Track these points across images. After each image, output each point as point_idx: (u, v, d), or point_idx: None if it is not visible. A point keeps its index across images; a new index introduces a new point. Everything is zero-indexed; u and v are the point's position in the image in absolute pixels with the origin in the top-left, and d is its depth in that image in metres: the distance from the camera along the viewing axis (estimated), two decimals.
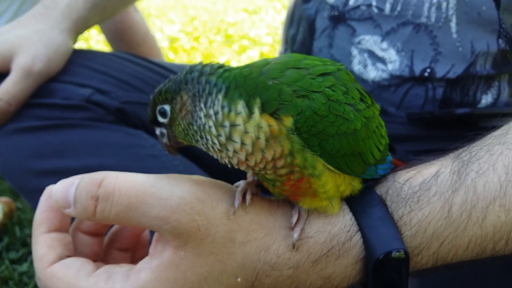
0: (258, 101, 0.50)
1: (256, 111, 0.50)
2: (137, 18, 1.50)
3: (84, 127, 0.90)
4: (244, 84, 0.51)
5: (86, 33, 3.46)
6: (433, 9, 0.90)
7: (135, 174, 0.52)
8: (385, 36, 0.94)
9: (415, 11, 0.91)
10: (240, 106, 0.50)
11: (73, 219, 0.57)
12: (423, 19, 0.91)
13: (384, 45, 0.94)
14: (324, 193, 0.54)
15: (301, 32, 1.10)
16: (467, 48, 0.91)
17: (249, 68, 0.53)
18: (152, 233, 0.56)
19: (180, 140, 0.56)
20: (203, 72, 0.53)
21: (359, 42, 0.97)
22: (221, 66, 0.54)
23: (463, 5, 0.88)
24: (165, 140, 0.57)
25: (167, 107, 0.54)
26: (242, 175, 0.60)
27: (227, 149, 0.52)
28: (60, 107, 0.90)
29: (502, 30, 0.90)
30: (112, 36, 1.52)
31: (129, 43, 1.48)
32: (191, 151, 1.01)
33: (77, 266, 0.52)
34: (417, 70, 0.93)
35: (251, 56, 3.23)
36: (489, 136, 0.61)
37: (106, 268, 0.52)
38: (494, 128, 0.63)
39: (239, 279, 0.52)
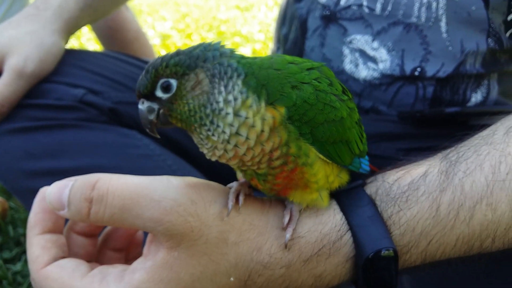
0: (264, 93, 0.51)
1: (263, 103, 0.51)
2: (128, 16, 1.50)
3: (77, 127, 0.90)
4: (258, 73, 0.52)
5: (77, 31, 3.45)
6: (423, 9, 0.91)
7: (129, 176, 0.52)
8: (376, 35, 0.95)
9: (406, 11, 0.92)
10: (252, 99, 0.51)
11: (67, 220, 0.57)
12: (414, 19, 0.92)
13: (375, 44, 0.95)
14: (316, 182, 0.55)
15: (293, 31, 1.11)
16: (457, 47, 0.92)
17: (259, 59, 0.54)
18: (145, 233, 0.57)
19: (174, 121, 0.52)
20: (222, 52, 0.52)
21: (350, 42, 0.97)
22: (235, 50, 0.54)
23: (453, 5, 0.89)
24: (152, 117, 0.52)
25: (173, 82, 0.51)
26: (233, 172, 0.60)
27: (228, 142, 0.51)
28: (53, 107, 0.90)
29: (491, 30, 0.91)
30: (103, 34, 1.52)
31: (121, 42, 1.48)
32: (183, 148, 1.02)
33: (71, 267, 0.53)
34: (408, 69, 0.94)
35: (243, 53, 3.23)
36: (476, 136, 0.62)
37: (100, 269, 0.53)
38: (482, 127, 0.64)
39: (232, 279, 0.53)
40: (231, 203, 0.54)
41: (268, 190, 0.56)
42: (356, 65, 0.97)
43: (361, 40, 0.96)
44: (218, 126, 0.50)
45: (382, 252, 0.54)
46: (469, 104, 0.97)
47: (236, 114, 0.50)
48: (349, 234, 0.55)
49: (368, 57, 0.96)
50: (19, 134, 0.89)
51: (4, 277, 1.26)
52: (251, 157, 0.52)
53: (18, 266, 1.29)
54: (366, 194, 0.58)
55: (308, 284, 0.56)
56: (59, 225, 0.57)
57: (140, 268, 0.51)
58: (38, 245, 0.54)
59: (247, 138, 0.50)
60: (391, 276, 0.55)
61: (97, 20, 1.20)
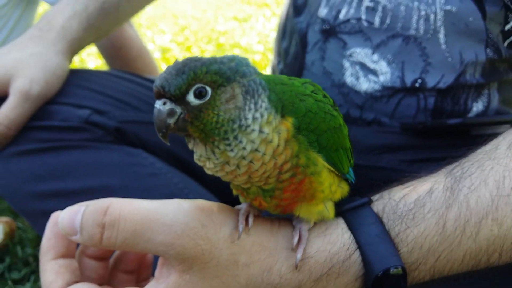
0: (280, 106, 0.52)
1: (278, 117, 0.52)
2: (131, 33, 1.52)
3: (83, 148, 0.91)
4: (275, 88, 0.53)
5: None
6: (422, 21, 0.92)
7: (140, 200, 0.53)
8: (375, 48, 0.96)
9: (404, 23, 0.93)
10: (273, 115, 0.51)
11: (78, 243, 0.58)
12: (412, 31, 0.93)
13: (375, 57, 0.96)
14: (322, 191, 0.56)
15: (293, 45, 1.12)
16: (456, 58, 0.93)
17: (269, 75, 0.56)
18: (157, 256, 0.57)
19: (192, 129, 0.49)
20: (253, 69, 0.52)
21: (350, 55, 0.99)
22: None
23: (451, 16, 0.91)
24: (171, 120, 0.49)
25: (209, 90, 0.49)
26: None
27: (244, 158, 0.50)
28: (59, 129, 0.91)
29: (490, 40, 0.92)
30: (107, 52, 1.53)
31: (125, 59, 1.50)
32: (188, 165, 1.02)
33: None
34: (408, 81, 0.95)
35: None
36: (479, 151, 0.63)
37: None
38: (485, 141, 0.65)
39: None
40: (241, 225, 0.54)
41: (274, 207, 0.57)
42: (357, 78, 0.98)
43: (361, 53, 0.98)
44: (240, 142, 0.50)
45: (391, 270, 0.54)
46: (471, 113, 0.98)
47: (260, 131, 0.50)
48: (357, 253, 0.56)
49: (368, 69, 0.97)
50: (26, 157, 0.90)
51: None
52: (262, 172, 0.52)
53: (27, 287, 1.28)
54: (373, 212, 0.59)
55: None
56: (72, 249, 0.58)
57: None
58: (52, 271, 0.55)
59: (263, 154, 0.51)
60: None
61: (100, 39, 1.22)
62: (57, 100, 0.95)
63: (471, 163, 0.61)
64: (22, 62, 0.92)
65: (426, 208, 0.57)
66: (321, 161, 0.54)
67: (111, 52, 1.52)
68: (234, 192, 0.58)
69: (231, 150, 0.50)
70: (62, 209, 0.88)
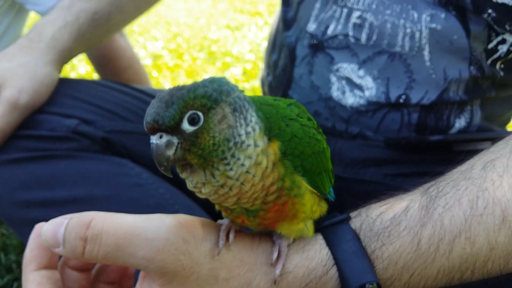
0: (268, 127, 0.53)
1: (265, 139, 0.53)
2: (122, 43, 1.52)
3: (70, 157, 0.91)
4: (261, 107, 0.54)
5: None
6: (407, 38, 0.94)
7: (122, 214, 0.54)
8: (362, 64, 0.98)
9: (390, 40, 0.95)
10: (263, 131, 0.52)
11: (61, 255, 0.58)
12: (398, 48, 0.95)
13: (361, 72, 0.98)
14: (304, 212, 0.57)
15: (282, 58, 1.13)
16: (440, 75, 0.95)
17: (252, 95, 0.56)
18: (138, 269, 0.58)
19: (191, 156, 0.50)
20: (234, 87, 0.53)
21: (337, 70, 1.00)
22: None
23: (435, 34, 0.93)
24: (170, 152, 0.49)
25: (201, 115, 0.49)
26: None
27: (237, 179, 0.51)
28: (47, 138, 0.92)
29: (473, 58, 0.94)
30: (98, 62, 1.53)
31: (115, 69, 1.50)
32: (174, 175, 1.03)
33: None
34: (393, 96, 0.97)
35: (234, 74, 3.26)
36: (455, 171, 0.65)
37: None
38: (463, 160, 0.66)
39: None
40: (221, 242, 0.55)
41: (256, 225, 0.58)
42: (343, 93, 1.00)
43: (347, 68, 0.99)
44: (238, 159, 0.50)
45: (366, 286, 0.56)
46: (453, 129, 0.99)
47: (255, 144, 0.51)
48: (334, 269, 0.58)
49: (354, 84, 0.99)
50: (13, 165, 0.90)
51: None
52: (251, 194, 0.53)
53: None
54: (351, 228, 0.60)
55: None
56: (54, 260, 0.58)
57: None
58: (34, 282, 0.55)
59: (253, 175, 0.52)
60: None
61: (91, 49, 1.22)
62: (45, 109, 0.95)
63: (446, 183, 0.62)
64: (11, 72, 0.93)
65: (402, 226, 0.59)
66: (304, 184, 0.56)
67: (101, 62, 1.52)
68: (217, 207, 0.59)
69: (231, 169, 0.50)
70: (48, 218, 0.88)
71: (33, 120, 0.93)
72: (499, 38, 0.93)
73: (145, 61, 3.48)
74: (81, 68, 3.16)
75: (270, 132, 0.53)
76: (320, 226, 0.61)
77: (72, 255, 0.53)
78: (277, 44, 1.18)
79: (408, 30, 0.93)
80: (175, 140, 0.49)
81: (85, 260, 0.54)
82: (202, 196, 0.54)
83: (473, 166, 0.63)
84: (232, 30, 4.55)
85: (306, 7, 1.05)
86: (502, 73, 0.97)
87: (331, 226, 0.61)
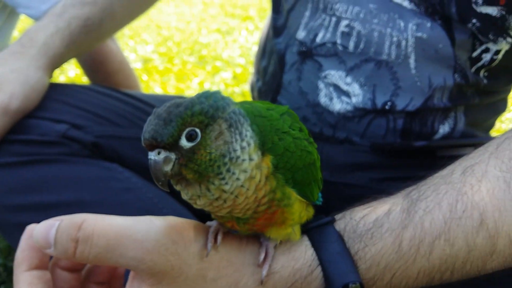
0: (261, 140, 0.54)
1: (259, 153, 0.54)
2: (113, 48, 1.52)
3: (60, 162, 0.92)
4: (255, 120, 0.55)
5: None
6: (393, 47, 0.96)
7: (113, 216, 0.55)
8: (349, 71, 1.00)
9: (377, 49, 0.97)
10: (257, 145, 0.54)
11: (51, 256, 0.59)
12: (384, 56, 0.97)
13: (348, 79, 1.00)
14: (292, 220, 0.59)
15: (272, 65, 1.15)
16: (425, 82, 0.97)
17: (246, 104, 0.58)
18: (128, 270, 0.58)
19: (187, 171, 0.51)
20: (230, 101, 0.54)
21: (325, 77, 1.02)
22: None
23: (421, 43, 0.95)
24: (168, 168, 0.50)
25: (199, 131, 0.51)
26: None
27: (231, 193, 0.53)
28: (37, 143, 0.92)
29: (458, 66, 0.97)
30: (88, 66, 1.53)
31: (106, 73, 1.50)
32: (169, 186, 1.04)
33: None
34: (379, 103, 0.99)
35: (224, 78, 3.27)
36: (436, 175, 0.67)
37: None
38: (444, 165, 0.68)
39: None
40: (210, 244, 0.57)
41: (246, 230, 0.60)
42: (331, 99, 1.02)
43: (335, 75, 1.01)
44: (233, 173, 0.52)
45: (350, 285, 0.58)
46: (437, 135, 1.02)
47: (250, 158, 0.53)
48: (319, 269, 0.60)
49: (341, 91, 1.01)
50: (2, 169, 0.90)
51: None
52: (244, 205, 0.55)
53: None
54: (335, 230, 0.62)
55: None
56: (45, 261, 0.59)
57: None
58: (25, 282, 0.56)
59: (247, 189, 0.53)
60: None
61: (82, 54, 1.22)
62: (35, 114, 0.96)
63: (427, 187, 0.65)
64: (3, 77, 0.93)
65: (384, 228, 0.61)
66: (294, 195, 0.58)
67: (91, 66, 1.52)
68: (212, 215, 0.61)
69: (226, 184, 0.52)
70: (37, 222, 0.88)
71: (23, 124, 0.93)
72: (483, 47, 0.95)
73: (135, 64, 3.48)
74: (70, 71, 3.15)
75: (264, 146, 0.55)
76: (306, 228, 0.63)
77: (63, 256, 0.54)
78: (267, 50, 1.20)
79: (395, 39, 0.95)
80: (172, 156, 0.50)
81: (76, 261, 0.55)
82: (197, 207, 0.55)
83: (453, 171, 0.65)
84: (223, 35, 4.57)
85: (296, 15, 1.06)
86: (485, 81, 0.99)
87: (316, 228, 0.63)
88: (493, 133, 1.23)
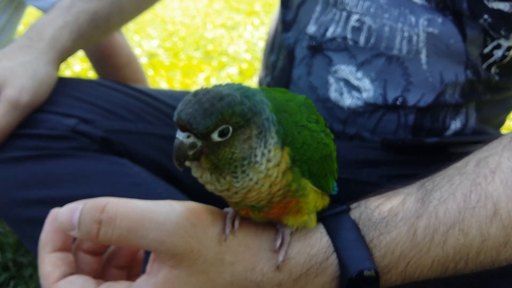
0: (282, 138, 0.55)
1: (279, 153, 0.55)
2: (121, 41, 1.52)
3: (69, 157, 0.92)
4: (280, 118, 0.56)
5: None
6: (405, 42, 0.95)
7: (135, 200, 0.57)
8: (360, 66, 0.99)
9: (388, 44, 0.96)
10: (278, 148, 0.54)
11: (74, 239, 0.62)
12: (395, 51, 0.96)
13: (359, 74, 0.99)
14: (307, 208, 0.60)
15: (281, 60, 1.14)
16: (437, 78, 0.96)
17: (271, 97, 0.57)
18: (148, 253, 0.60)
19: (206, 161, 0.53)
20: (264, 108, 0.54)
21: (335, 71, 1.01)
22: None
23: (432, 38, 0.94)
24: (191, 152, 0.52)
25: (231, 130, 0.52)
26: (222, 199, 0.63)
27: (243, 188, 0.54)
28: (46, 137, 0.92)
29: (469, 62, 0.96)
30: (96, 59, 1.53)
31: (113, 67, 1.49)
32: (173, 175, 1.04)
33: (79, 283, 0.57)
34: (390, 98, 0.98)
35: (230, 73, 3.26)
36: (451, 167, 0.67)
37: (107, 285, 0.57)
38: (459, 157, 0.69)
39: None
40: (228, 229, 0.58)
41: (261, 218, 0.61)
42: (341, 94, 1.01)
43: (345, 70, 1.00)
44: (247, 175, 0.53)
45: (365, 272, 0.59)
46: (449, 131, 1.01)
47: (268, 160, 0.54)
48: (334, 256, 0.60)
49: (352, 86, 1.00)
50: (12, 164, 0.90)
51: None
52: (257, 197, 0.56)
53: None
54: (350, 219, 0.63)
55: None
56: (68, 244, 0.61)
57: (144, 284, 0.56)
58: (49, 263, 0.58)
59: (262, 185, 0.54)
60: None
61: (88, 47, 1.22)
62: (44, 108, 0.95)
63: (442, 177, 0.65)
64: (12, 71, 0.93)
65: (399, 217, 0.62)
66: (309, 185, 0.59)
67: (99, 59, 1.52)
68: (224, 199, 0.62)
69: (237, 182, 0.53)
70: (46, 217, 0.88)
71: (32, 119, 0.93)
72: (495, 43, 0.94)
73: (141, 59, 3.48)
74: (76, 66, 3.15)
75: (284, 141, 0.55)
76: (322, 216, 0.64)
77: (87, 238, 0.56)
78: (276, 45, 1.19)
79: (406, 34, 0.95)
80: (199, 143, 0.51)
81: (99, 242, 0.57)
82: (208, 190, 0.57)
83: (468, 163, 0.66)
84: (228, 30, 4.55)
85: (306, 10, 1.06)
86: (497, 77, 0.98)
87: (332, 216, 0.63)
88: (504, 130, 1.22)
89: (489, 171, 0.63)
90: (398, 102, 0.98)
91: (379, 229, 0.61)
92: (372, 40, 0.97)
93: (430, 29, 0.93)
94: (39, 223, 0.88)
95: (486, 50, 0.95)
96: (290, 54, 1.09)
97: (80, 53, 1.63)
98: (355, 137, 1.03)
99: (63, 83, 1.02)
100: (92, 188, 0.89)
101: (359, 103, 1.00)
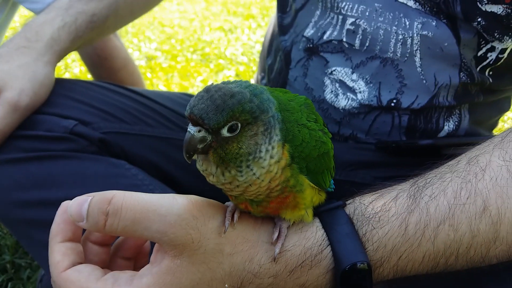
0: (284, 135, 0.57)
1: (281, 150, 0.57)
2: (117, 44, 1.52)
3: (67, 158, 0.92)
4: (284, 116, 0.58)
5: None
6: (399, 45, 0.96)
7: (140, 193, 0.59)
8: (355, 68, 1.00)
9: (382, 46, 0.97)
10: (280, 145, 0.57)
11: (83, 231, 0.65)
12: (390, 54, 0.97)
13: (354, 76, 1.00)
14: (304, 204, 0.62)
15: (278, 62, 1.16)
16: (431, 81, 0.97)
17: (279, 96, 0.60)
18: (153, 244, 0.63)
19: (214, 154, 0.55)
20: (270, 106, 0.56)
21: (331, 73, 1.02)
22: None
23: (427, 41, 0.95)
24: (201, 145, 0.54)
25: (239, 127, 0.54)
26: (220, 197, 0.66)
27: (245, 182, 0.56)
28: (44, 139, 0.92)
29: (463, 64, 0.97)
30: (92, 62, 1.53)
31: (110, 69, 1.50)
32: (170, 177, 1.05)
33: (88, 272, 0.60)
34: (384, 100, 0.99)
35: (227, 76, 3.28)
36: (443, 165, 0.69)
37: (112, 274, 0.60)
38: (451, 157, 0.70)
39: (226, 285, 0.60)
40: (227, 222, 0.61)
41: (259, 212, 0.63)
42: (336, 95, 1.02)
43: (341, 71, 1.01)
44: (251, 169, 0.56)
45: (358, 265, 0.61)
46: (443, 132, 1.02)
47: (271, 157, 0.56)
48: (329, 249, 0.63)
49: (347, 87, 1.01)
50: (10, 165, 0.91)
51: None
52: (256, 192, 0.58)
53: None
54: (345, 213, 0.65)
55: None
56: (77, 235, 0.63)
57: (147, 273, 0.59)
58: (59, 252, 0.61)
59: (262, 180, 0.57)
60: (366, 287, 0.62)
61: (84, 47, 1.22)
62: (43, 110, 0.96)
63: (434, 175, 0.67)
64: (11, 73, 0.93)
65: (391, 213, 0.64)
66: (306, 181, 0.61)
67: (96, 61, 1.52)
68: (224, 192, 0.64)
69: (241, 176, 0.56)
70: (44, 218, 0.89)
71: (30, 120, 0.94)
72: (488, 46, 0.95)
73: (139, 62, 3.48)
74: (75, 68, 3.16)
75: (286, 138, 0.58)
76: (318, 211, 0.66)
77: (94, 228, 0.59)
78: (273, 48, 1.21)
79: (400, 37, 0.96)
80: (209, 137, 0.54)
81: (106, 233, 0.60)
82: (209, 182, 0.59)
83: (459, 161, 0.68)
84: (226, 33, 4.57)
85: (305, 14, 1.07)
86: (490, 80, 1.00)
87: (327, 211, 0.65)
88: (496, 132, 1.23)
89: (479, 169, 0.65)
90: (392, 104, 0.99)
91: (372, 223, 0.63)
92: (367, 43, 0.98)
93: (424, 32, 0.95)
94: (37, 224, 0.89)
95: (480, 52, 0.96)
96: (286, 56, 1.11)
97: (79, 56, 1.63)
98: (350, 138, 1.04)
99: (61, 84, 1.03)
100: (89, 190, 0.88)
101: (354, 104, 1.01)
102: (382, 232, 0.63)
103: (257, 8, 5.64)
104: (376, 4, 0.97)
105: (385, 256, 0.62)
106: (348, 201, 0.68)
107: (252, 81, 1.45)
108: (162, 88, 3.00)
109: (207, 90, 0.54)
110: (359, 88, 1.00)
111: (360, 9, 0.98)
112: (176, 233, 0.57)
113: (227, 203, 0.64)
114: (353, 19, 0.99)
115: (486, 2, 0.89)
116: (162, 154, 1.05)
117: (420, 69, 0.97)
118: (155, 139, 1.04)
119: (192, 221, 0.58)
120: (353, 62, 1.00)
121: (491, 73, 0.99)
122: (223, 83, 0.56)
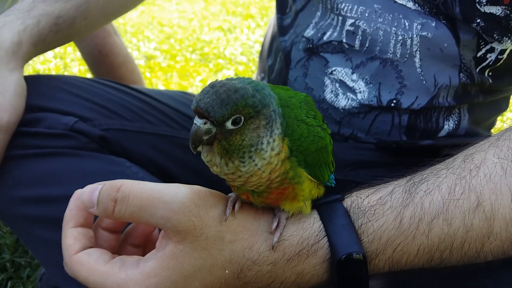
0: (284, 129, 0.60)
1: (281, 143, 0.60)
2: (117, 41, 1.52)
3: (67, 155, 0.92)
4: (284, 112, 0.61)
5: (61, 50, 3.44)
6: (399, 45, 0.97)
7: (146, 182, 0.63)
8: (355, 69, 1.01)
9: (382, 47, 0.98)
10: (281, 137, 0.59)
11: (95, 218, 0.69)
12: (389, 55, 0.97)
13: (354, 76, 1.01)
14: (303, 196, 0.64)
15: (278, 63, 1.16)
16: (430, 81, 0.98)
17: (280, 93, 0.63)
18: (160, 231, 0.65)
19: (218, 146, 0.57)
20: (271, 101, 0.59)
21: (331, 73, 1.03)
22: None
23: (426, 42, 0.96)
24: (206, 137, 0.57)
25: (243, 120, 0.57)
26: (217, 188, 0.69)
27: (247, 172, 0.59)
28: (44, 136, 0.91)
29: (463, 65, 0.97)
30: (93, 59, 1.53)
31: (109, 66, 1.50)
32: (170, 175, 1.05)
33: (97, 255, 0.63)
34: (384, 101, 0.99)
35: (227, 76, 3.28)
36: (440, 162, 0.71)
37: (120, 258, 0.64)
38: (448, 155, 0.72)
39: (227, 271, 0.63)
40: (228, 210, 0.63)
41: (260, 202, 0.65)
42: (336, 95, 1.03)
43: (341, 72, 1.02)
44: (253, 160, 0.58)
45: (353, 255, 0.63)
46: (442, 131, 1.03)
47: (272, 149, 0.59)
48: (325, 240, 0.65)
49: (347, 87, 1.02)
50: (10, 162, 0.90)
51: None
52: (257, 182, 0.60)
53: None
54: (342, 206, 0.67)
55: (291, 280, 0.65)
56: (89, 221, 0.67)
57: (152, 257, 0.62)
58: (71, 236, 0.65)
59: (263, 171, 0.59)
60: (362, 277, 0.64)
61: (46, 52, 1.12)
62: (43, 106, 0.95)
63: (430, 172, 0.69)
64: None
65: (386, 206, 0.66)
66: (304, 174, 0.63)
67: (96, 58, 1.52)
68: (227, 183, 0.66)
69: (244, 166, 0.59)
70: (44, 215, 0.89)
71: (30, 117, 0.93)
72: (488, 47, 0.96)
73: (139, 61, 3.48)
74: (74, 68, 3.16)
75: (285, 132, 0.60)
76: (316, 204, 0.68)
77: (104, 214, 0.62)
78: (274, 49, 1.21)
79: (400, 38, 0.96)
80: (214, 130, 0.57)
81: (114, 219, 0.64)
82: (213, 172, 0.61)
83: (455, 158, 0.70)
84: (225, 32, 4.57)
85: (305, 15, 1.07)
86: (490, 80, 1.00)
87: (325, 204, 0.68)
88: (494, 131, 1.24)
89: (474, 166, 0.66)
90: (392, 104, 0.99)
91: (367, 216, 0.65)
92: (367, 43, 0.99)
93: (424, 33, 0.95)
94: (37, 220, 0.89)
95: (480, 53, 0.97)
96: (286, 56, 1.11)
97: (79, 55, 1.63)
98: (350, 138, 1.05)
99: (61, 80, 1.02)
100: None
101: (354, 104, 1.01)
102: (377, 224, 0.64)
103: (256, 8, 5.65)
104: (375, 5, 0.98)
105: (380, 248, 0.64)
106: (346, 195, 0.70)
107: None
108: (161, 87, 3.00)
109: (212, 85, 0.57)
110: (359, 88, 1.01)
111: (359, 10, 0.99)
112: (179, 219, 0.60)
113: (229, 194, 0.67)
114: (353, 20, 0.99)
115: (485, 3, 0.89)
116: (163, 151, 1.05)
117: (420, 70, 0.97)
118: (155, 136, 1.05)
119: (194, 209, 0.61)
120: (353, 63, 1.01)
121: (490, 73, 1.00)
122: (227, 79, 0.58)
